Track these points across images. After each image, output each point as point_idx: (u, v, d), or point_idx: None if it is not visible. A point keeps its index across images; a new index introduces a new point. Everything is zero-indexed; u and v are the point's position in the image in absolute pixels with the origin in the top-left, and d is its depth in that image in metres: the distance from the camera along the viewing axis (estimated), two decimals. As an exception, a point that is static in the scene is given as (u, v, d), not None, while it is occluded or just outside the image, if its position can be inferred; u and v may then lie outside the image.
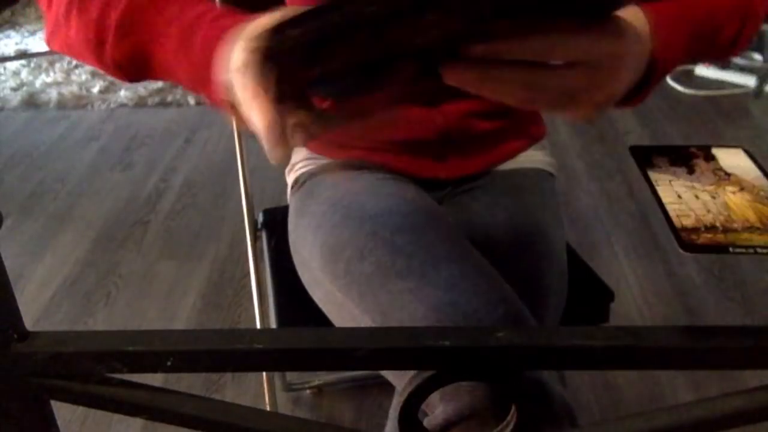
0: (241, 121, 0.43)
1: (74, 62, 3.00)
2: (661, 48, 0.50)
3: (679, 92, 2.55)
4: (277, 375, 1.37)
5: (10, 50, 3.18)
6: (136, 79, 0.58)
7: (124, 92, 2.74)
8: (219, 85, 0.46)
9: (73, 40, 0.58)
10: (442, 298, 0.64)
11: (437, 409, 0.60)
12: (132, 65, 0.56)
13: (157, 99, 2.69)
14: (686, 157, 0.52)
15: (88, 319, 1.65)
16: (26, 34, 3.36)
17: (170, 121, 2.56)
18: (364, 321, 0.69)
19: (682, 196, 0.47)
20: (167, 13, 0.54)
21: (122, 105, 2.68)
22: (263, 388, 1.29)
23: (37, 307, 1.68)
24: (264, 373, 1.28)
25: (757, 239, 0.42)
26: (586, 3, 0.39)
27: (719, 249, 0.42)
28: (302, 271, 0.85)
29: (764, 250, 0.42)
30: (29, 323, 0.73)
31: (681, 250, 0.42)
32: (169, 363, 0.40)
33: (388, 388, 0.71)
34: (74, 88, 2.79)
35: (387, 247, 0.69)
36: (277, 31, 0.36)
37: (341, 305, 0.73)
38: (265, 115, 0.39)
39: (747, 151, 0.52)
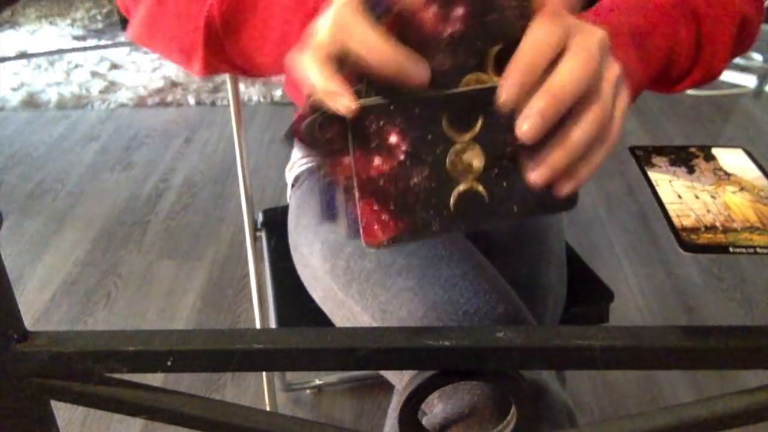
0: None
1: (74, 62, 3.00)
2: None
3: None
4: (277, 375, 1.37)
5: (10, 50, 3.18)
6: (216, 49, 0.54)
7: (124, 92, 2.74)
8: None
9: (167, 5, 0.56)
10: (443, 296, 0.64)
11: (436, 408, 0.60)
12: (226, 19, 0.53)
13: (157, 99, 2.69)
14: (686, 157, 0.52)
15: (88, 319, 1.65)
16: (26, 34, 3.36)
17: (170, 121, 2.56)
18: (363, 319, 0.69)
19: (682, 196, 0.47)
20: None
21: (122, 105, 2.68)
22: (263, 388, 1.29)
23: (37, 307, 1.68)
24: (264, 373, 1.28)
25: (757, 239, 0.42)
26: None
27: (719, 249, 0.42)
28: (302, 270, 0.85)
29: (764, 250, 0.42)
30: (29, 323, 0.73)
31: (681, 250, 0.42)
32: (169, 363, 0.40)
33: (388, 388, 0.71)
34: (74, 88, 2.79)
35: None
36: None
37: (341, 303, 0.73)
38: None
39: (747, 151, 0.52)
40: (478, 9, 0.36)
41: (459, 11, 0.36)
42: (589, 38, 0.37)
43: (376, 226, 0.40)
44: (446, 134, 0.39)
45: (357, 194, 0.39)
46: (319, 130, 0.38)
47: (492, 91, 0.38)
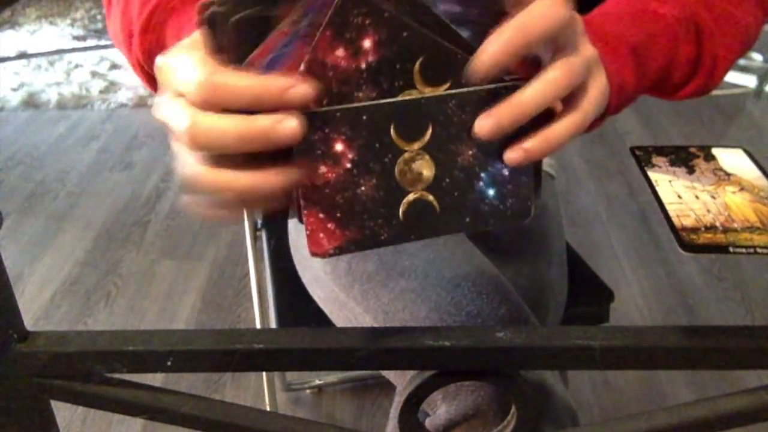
0: None
1: (74, 62, 3.00)
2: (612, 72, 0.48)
3: (679, 92, 2.55)
4: (277, 375, 1.37)
5: (10, 50, 3.18)
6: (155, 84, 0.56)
7: (124, 92, 2.74)
8: None
9: (114, 30, 0.57)
10: (445, 298, 0.64)
11: (439, 408, 0.60)
12: (150, 62, 0.54)
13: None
14: (686, 157, 0.52)
15: (88, 319, 1.65)
16: (26, 34, 3.36)
17: (170, 121, 2.56)
18: (365, 320, 0.69)
19: (682, 196, 0.47)
20: (191, 12, 0.52)
21: (122, 105, 2.68)
22: (263, 388, 1.29)
23: (37, 307, 1.68)
24: (264, 373, 1.28)
25: (757, 239, 0.42)
26: None
27: (719, 249, 0.42)
28: (303, 270, 0.84)
29: (764, 250, 0.42)
30: (29, 323, 0.73)
31: (681, 250, 0.42)
32: (169, 363, 0.40)
33: (388, 388, 0.71)
34: (74, 88, 2.79)
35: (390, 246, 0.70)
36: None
37: (343, 304, 0.73)
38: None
39: (747, 151, 0.52)
40: (386, 33, 0.36)
41: (367, 42, 0.36)
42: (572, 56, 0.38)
43: (321, 235, 0.39)
44: (395, 143, 0.38)
45: (302, 203, 0.38)
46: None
47: (442, 99, 0.38)
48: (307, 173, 0.38)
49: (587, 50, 0.39)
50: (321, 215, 0.39)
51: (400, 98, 0.37)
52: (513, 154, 0.39)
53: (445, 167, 0.40)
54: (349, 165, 0.38)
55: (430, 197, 0.40)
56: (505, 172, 0.40)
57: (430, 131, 0.38)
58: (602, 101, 0.40)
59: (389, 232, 0.40)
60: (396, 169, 0.39)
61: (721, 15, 0.55)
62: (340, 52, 0.36)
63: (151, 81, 0.54)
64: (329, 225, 0.39)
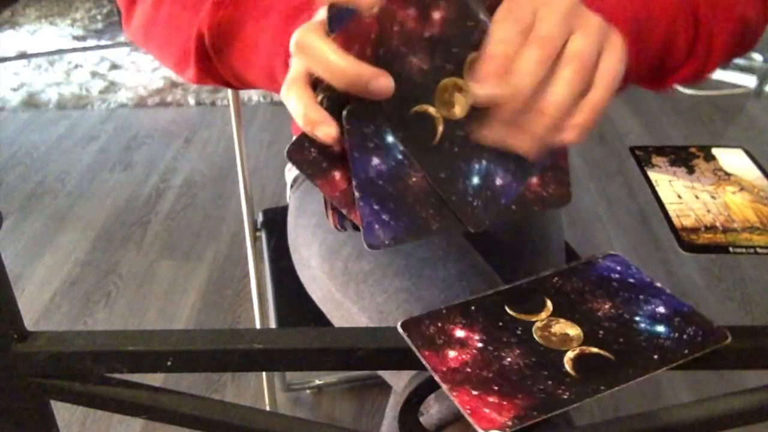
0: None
1: (74, 62, 3.00)
2: None
3: (679, 92, 2.55)
4: (277, 375, 1.37)
5: (10, 50, 3.18)
6: (206, 63, 0.55)
7: (124, 92, 2.74)
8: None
9: (162, 11, 0.57)
10: (438, 297, 0.64)
11: (432, 408, 0.60)
12: (215, 36, 0.53)
13: (157, 99, 2.69)
14: (686, 157, 0.52)
15: (88, 319, 1.65)
16: (26, 34, 3.36)
17: (170, 121, 2.56)
18: (361, 320, 0.69)
19: (682, 196, 0.47)
20: None
21: (122, 105, 2.68)
22: (263, 388, 1.29)
23: (37, 307, 1.68)
24: (264, 373, 1.28)
25: (757, 239, 0.42)
26: None
27: (719, 249, 0.42)
28: (301, 270, 0.84)
29: (764, 250, 0.42)
30: (29, 323, 0.73)
31: (681, 250, 0.42)
32: (169, 363, 0.40)
33: (388, 388, 0.71)
34: (74, 88, 2.79)
35: None
36: None
37: (339, 304, 0.73)
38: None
39: (747, 151, 0.52)
40: (456, 15, 0.37)
41: (435, 14, 0.37)
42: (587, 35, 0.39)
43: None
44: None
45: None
46: (308, 145, 0.39)
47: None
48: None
49: (592, 22, 0.40)
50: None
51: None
52: (569, 134, 0.40)
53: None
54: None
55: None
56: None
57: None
58: (624, 59, 0.42)
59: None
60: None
61: (718, 1, 0.55)
62: (410, 13, 0.37)
63: (202, 63, 0.55)
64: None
